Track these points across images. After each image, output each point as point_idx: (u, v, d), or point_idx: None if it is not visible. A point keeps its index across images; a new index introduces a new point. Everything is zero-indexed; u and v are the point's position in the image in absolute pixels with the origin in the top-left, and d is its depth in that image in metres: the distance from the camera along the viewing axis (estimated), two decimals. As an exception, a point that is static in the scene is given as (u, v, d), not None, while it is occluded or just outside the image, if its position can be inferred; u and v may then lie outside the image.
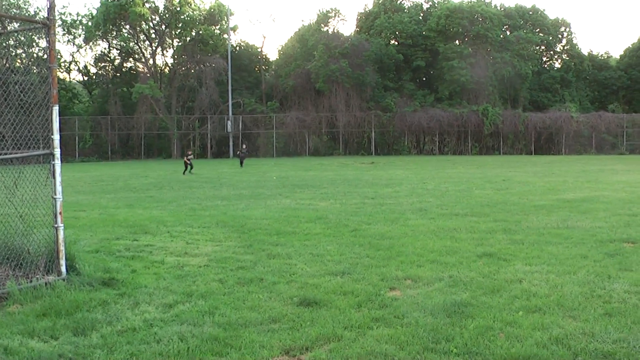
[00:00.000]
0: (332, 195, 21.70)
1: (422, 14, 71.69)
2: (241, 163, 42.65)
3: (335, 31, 69.62)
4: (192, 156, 37.50)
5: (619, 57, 79.78)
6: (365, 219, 15.01)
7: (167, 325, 6.70)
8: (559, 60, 76.93)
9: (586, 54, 77.57)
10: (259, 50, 73.52)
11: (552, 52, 76.82)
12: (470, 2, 70.14)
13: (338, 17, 71.60)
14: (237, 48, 71.33)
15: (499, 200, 19.14)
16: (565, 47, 76.28)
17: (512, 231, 12.78)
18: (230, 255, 10.55)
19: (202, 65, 66.26)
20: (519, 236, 12.12)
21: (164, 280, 8.72)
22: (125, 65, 70.55)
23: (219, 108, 64.72)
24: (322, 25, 70.12)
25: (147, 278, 8.81)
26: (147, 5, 63.29)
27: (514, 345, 5.99)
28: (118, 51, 69.47)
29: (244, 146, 47.34)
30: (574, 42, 76.56)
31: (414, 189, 23.88)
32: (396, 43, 70.30)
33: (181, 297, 7.81)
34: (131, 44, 67.74)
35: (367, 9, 74.81)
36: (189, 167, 35.95)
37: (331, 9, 71.17)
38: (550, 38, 74.21)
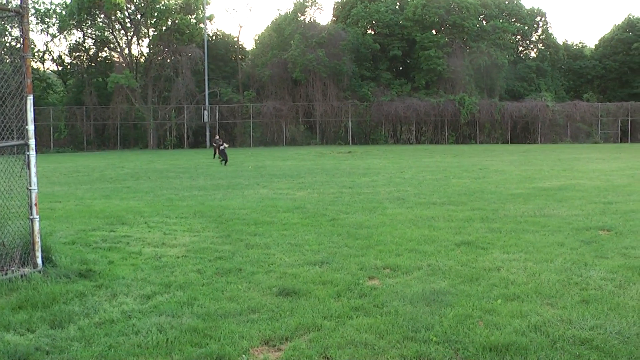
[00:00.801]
0: (309, 184, 21.69)
1: (398, 4, 71.56)
2: (215, 154, 41.32)
3: (312, 20, 69.38)
4: (224, 145, 35.68)
5: (593, 47, 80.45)
6: (343, 208, 15.02)
7: (145, 317, 6.66)
8: (535, 50, 77.34)
9: (561, 43, 78.08)
10: (236, 39, 73.12)
11: (527, 42, 77.20)
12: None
13: (315, 6, 71.33)
14: (214, 37, 70.81)
15: (476, 189, 19.25)
16: (541, 37, 76.70)
17: (489, 219, 12.86)
18: (209, 245, 10.52)
19: (178, 55, 65.60)
20: (496, 224, 12.20)
21: (142, 271, 8.66)
22: (100, 55, 69.66)
23: (195, 98, 64.28)
24: (299, 14, 69.76)
25: (124, 269, 8.74)
26: (122, -6, 62.66)
27: (493, 333, 6.02)
28: (93, 41, 68.59)
29: (217, 137, 46.42)
30: (550, 31, 76.99)
31: (392, 178, 23.94)
32: (373, 32, 70.15)
33: (159, 288, 7.76)
34: (106, 34, 66.88)
35: (343, -1, 74.74)
36: (219, 156, 34.23)
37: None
38: (526, 28, 74.53)
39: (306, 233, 11.53)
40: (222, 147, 35.09)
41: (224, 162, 34.12)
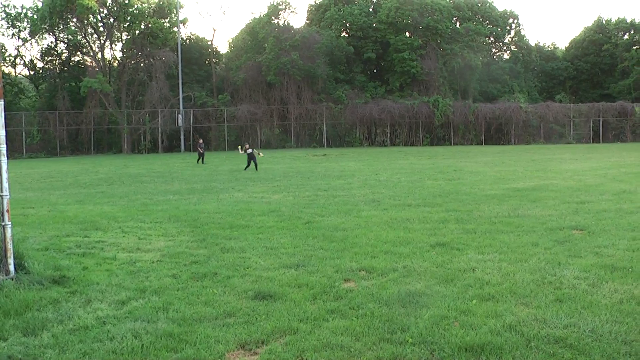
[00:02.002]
0: (284, 188, 21.68)
1: (372, 6, 71.83)
2: (200, 159, 40.34)
3: (286, 24, 69.33)
4: (250, 149, 32.27)
5: (565, 49, 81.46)
6: (319, 211, 15.02)
7: (120, 323, 6.61)
8: (508, 52, 78.02)
9: (534, 45, 78.96)
10: (209, 43, 72.90)
11: (500, 44, 77.84)
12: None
13: (288, 9, 71.34)
14: (187, 41, 70.58)
15: (450, 190, 19.35)
16: (514, 39, 77.44)
17: (464, 221, 12.93)
18: (184, 250, 10.46)
19: (151, 59, 65.38)
20: (471, 225, 12.27)
21: (117, 276, 8.60)
22: (73, 59, 68.97)
23: (169, 102, 63.96)
24: (273, 17, 69.71)
25: (99, 275, 8.67)
26: (94, -3, 62.14)
27: (468, 334, 6.06)
28: (65, 45, 67.95)
29: (201, 141, 45.38)
30: (522, 33, 77.83)
31: (367, 180, 23.99)
32: (347, 35, 70.37)
33: (134, 294, 7.71)
34: (79, 38, 66.28)
35: (317, 1, 74.75)
36: (252, 163, 31.48)
37: (281, 1, 70.77)
38: (499, 30, 75.16)
39: (282, 236, 11.52)
40: (249, 151, 32.12)
41: (246, 167, 31.67)
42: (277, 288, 7.81)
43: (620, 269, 8.43)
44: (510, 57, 76.47)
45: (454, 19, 71.75)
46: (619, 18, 77.56)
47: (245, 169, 31.42)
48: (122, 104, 64.83)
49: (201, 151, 40.90)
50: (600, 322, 6.35)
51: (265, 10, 70.31)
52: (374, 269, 8.75)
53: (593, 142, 64.89)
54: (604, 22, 78.07)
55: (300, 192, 20.02)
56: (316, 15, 73.18)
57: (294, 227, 12.53)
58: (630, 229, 11.64)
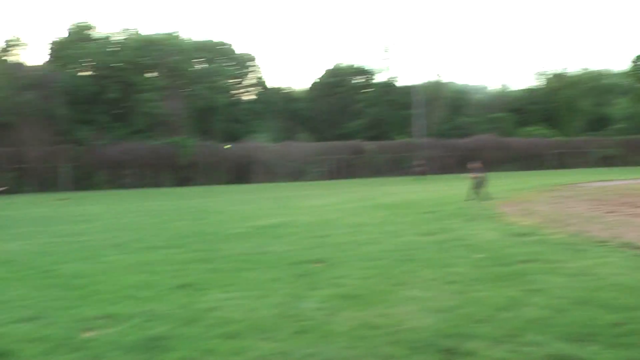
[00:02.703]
0: (20, 235, 20.32)
1: (115, 46, 70.61)
2: None
3: (21, 61, 65.91)
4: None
5: (305, 90, 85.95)
6: (58, 258, 14.27)
7: None
8: (250, 93, 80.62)
9: (276, 86, 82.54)
10: None
11: (242, 85, 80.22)
12: (163, 35, 70.78)
13: (22, 46, 67.89)
14: None
15: (196, 230, 19.36)
16: (255, 80, 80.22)
17: (208, 260, 12.97)
18: None
19: None
20: (215, 265, 12.34)
21: None
22: None
23: None
24: (5, 54, 65.91)
25: None
26: None
27: (211, 373, 6.07)
28: None
29: None
30: (262, 75, 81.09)
31: (110, 224, 23.27)
32: (89, 74, 68.45)
33: None
34: None
35: (58, 39, 71.93)
36: None
37: (14, 37, 67.15)
38: (240, 71, 77.50)
39: (15, 288, 10.74)
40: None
41: None
42: (9, 345, 7.27)
43: (354, 297, 8.95)
44: (255, 98, 79.00)
45: (197, 60, 72.75)
46: (352, 65, 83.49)
47: None
48: None
49: None
50: (336, 349, 6.69)
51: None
52: (116, 315, 8.47)
53: (332, 178, 68.53)
54: (340, 66, 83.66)
55: (38, 239, 18.88)
56: (58, 52, 70.37)
57: (30, 278, 11.76)
58: (364, 259, 12.39)
